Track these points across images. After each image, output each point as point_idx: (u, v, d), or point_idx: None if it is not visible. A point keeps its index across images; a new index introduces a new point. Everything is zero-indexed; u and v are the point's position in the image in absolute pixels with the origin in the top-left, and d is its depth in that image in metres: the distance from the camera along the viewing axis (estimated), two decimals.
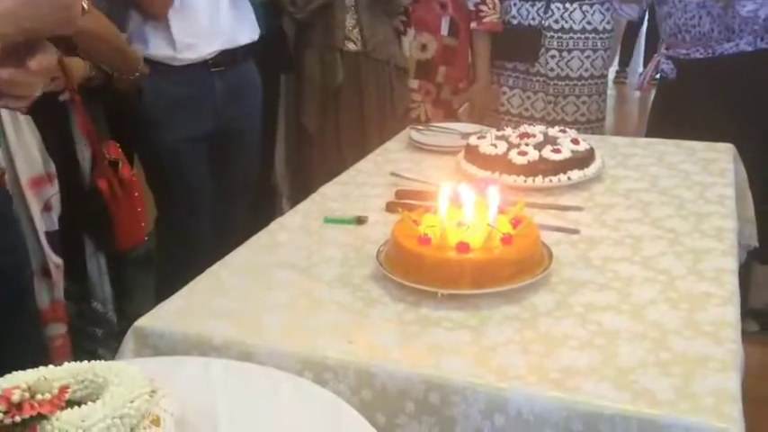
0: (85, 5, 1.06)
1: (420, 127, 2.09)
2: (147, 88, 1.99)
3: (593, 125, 2.86)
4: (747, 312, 2.70)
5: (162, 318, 1.18)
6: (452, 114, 2.79)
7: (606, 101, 2.95)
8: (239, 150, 2.24)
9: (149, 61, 2.00)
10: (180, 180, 2.12)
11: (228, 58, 2.11)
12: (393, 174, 1.75)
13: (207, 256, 1.43)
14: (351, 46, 2.49)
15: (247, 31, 2.16)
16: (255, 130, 2.29)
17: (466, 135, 1.97)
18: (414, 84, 2.73)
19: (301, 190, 2.62)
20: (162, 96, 2.04)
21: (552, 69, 2.78)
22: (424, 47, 2.71)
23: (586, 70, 2.79)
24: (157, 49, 2.03)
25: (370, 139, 2.42)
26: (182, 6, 2.01)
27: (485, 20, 2.73)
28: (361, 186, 1.74)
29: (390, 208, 1.57)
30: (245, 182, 2.32)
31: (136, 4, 1.99)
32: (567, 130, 1.83)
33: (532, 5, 2.75)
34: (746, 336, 2.69)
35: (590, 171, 1.69)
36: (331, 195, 1.69)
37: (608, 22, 2.76)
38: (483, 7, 2.71)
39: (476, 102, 2.82)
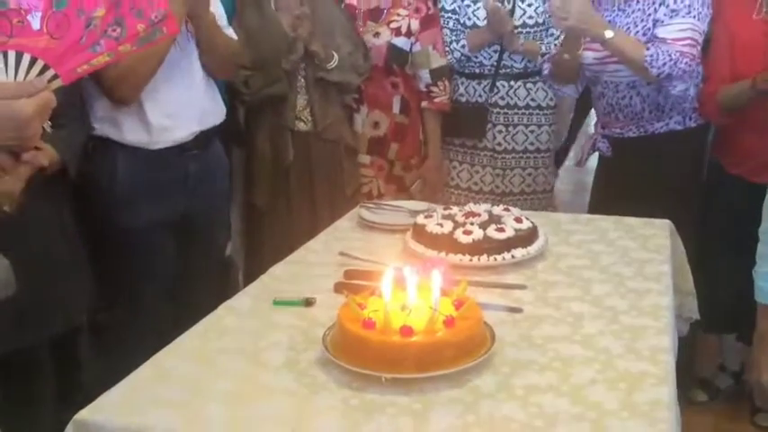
0: (47, 128, 1.09)
1: (370, 205, 2.13)
2: (120, 171, 2.00)
3: (539, 196, 2.95)
4: (695, 382, 2.76)
5: (103, 409, 1.17)
6: (404, 189, 2.85)
7: (553, 173, 3.05)
8: (207, 229, 2.25)
9: (122, 145, 2.00)
10: (147, 261, 2.11)
11: (202, 140, 2.14)
12: (342, 253, 1.78)
13: (165, 335, 1.43)
14: (301, 126, 2.55)
15: (218, 112, 2.20)
16: (223, 209, 2.32)
17: (414, 213, 2.02)
18: (366, 159, 2.79)
19: (254, 264, 2.65)
20: (135, 180, 2.03)
21: (499, 144, 2.88)
22: (376, 124, 2.78)
23: (532, 144, 2.90)
24: (132, 133, 2.03)
25: (321, 216, 2.46)
26: (156, 88, 2.01)
27: (435, 100, 2.82)
28: (311, 266, 1.76)
29: (338, 289, 1.59)
30: (211, 260, 2.32)
31: (103, 88, 1.98)
32: (511, 208, 1.89)
33: (479, 83, 2.86)
34: (696, 406, 2.75)
35: (533, 249, 1.74)
36: (280, 276, 1.71)
37: (551, 99, 2.88)
38: (434, 89, 2.81)
39: (428, 178, 2.89)
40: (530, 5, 2.77)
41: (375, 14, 2.74)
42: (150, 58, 1.93)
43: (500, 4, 2.71)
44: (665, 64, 2.24)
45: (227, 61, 2.19)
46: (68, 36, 1.15)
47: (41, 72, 1.13)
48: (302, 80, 2.52)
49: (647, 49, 2.26)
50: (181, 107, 2.07)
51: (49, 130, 1.17)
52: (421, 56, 2.78)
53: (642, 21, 2.34)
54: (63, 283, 1.93)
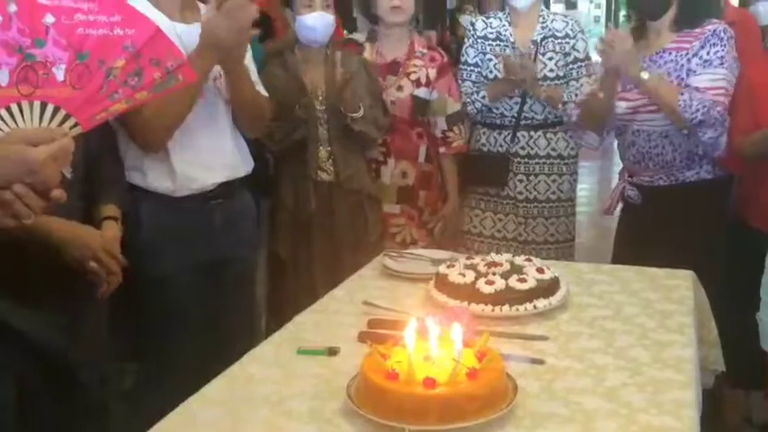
0: (67, 174, 1.16)
1: (393, 253, 2.16)
2: (144, 218, 2.04)
3: (562, 245, 2.96)
4: None
5: None
6: (432, 233, 2.90)
7: (575, 222, 3.06)
8: (234, 278, 2.26)
9: (147, 192, 2.05)
10: (174, 310, 2.13)
11: (227, 189, 2.17)
12: (365, 302, 1.80)
13: (191, 382, 1.46)
14: (324, 176, 2.60)
15: (245, 163, 2.23)
16: (249, 258, 2.34)
17: (436, 262, 2.04)
18: (396, 209, 2.84)
19: (277, 312, 2.67)
20: (160, 227, 2.07)
21: (521, 193, 2.91)
22: (404, 174, 2.84)
23: (553, 193, 2.92)
24: (157, 180, 2.06)
25: (343, 265, 2.48)
26: (183, 137, 2.05)
27: (453, 145, 2.88)
28: (335, 315, 1.78)
29: (362, 338, 1.61)
30: (236, 309, 2.35)
31: (133, 135, 2.03)
32: (533, 258, 1.91)
33: (499, 133, 2.90)
34: None
35: (555, 300, 1.75)
36: (304, 324, 1.73)
37: (572, 149, 2.92)
38: (450, 134, 2.87)
39: (448, 221, 2.93)
40: (550, 59, 2.82)
41: (393, 68, 2.82)
42: (177, 105, 1.96)
43: (513, 55, 2.77)
44: (698, 110, 2.27)
45: (255, 116, 2.23)
46: (89, 86, 1.22)
47: (63, 120, 1.20)
48: (324, 132, 2.58)
49: (682, 93, 2.29)
50: (206, 157, 2.11)
51: (69, 176, 1.23)
52: (437, 103, 2.85)
53: (675, 71, 2.38)
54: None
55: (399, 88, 2.80)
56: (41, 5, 1.20)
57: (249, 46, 2.10)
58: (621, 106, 2.40)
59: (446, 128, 2.86)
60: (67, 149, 1.17)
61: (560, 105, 2.78)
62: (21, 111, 1.17)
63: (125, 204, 1.98)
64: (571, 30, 2.87)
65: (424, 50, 2.87)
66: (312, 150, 2.56)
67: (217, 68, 2.05)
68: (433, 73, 2.83)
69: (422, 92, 2.82)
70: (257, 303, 2.74)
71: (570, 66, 2.85)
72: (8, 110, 1.17)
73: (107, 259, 1.79)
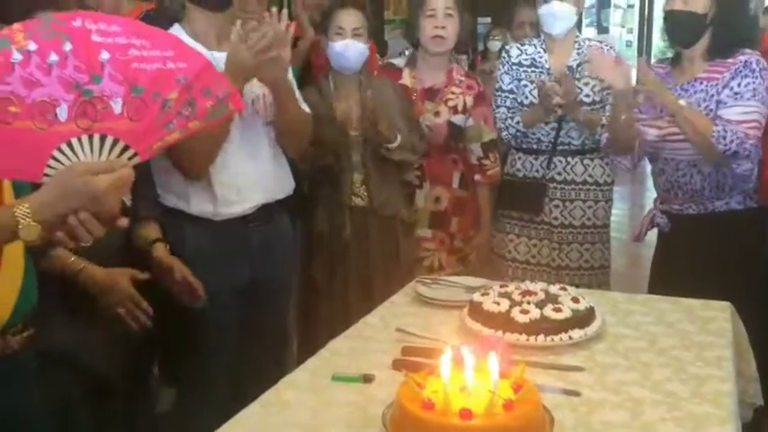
0: (127, 202, 1.21)
1: (427, 280, 2.16)
2: (187, 241, 2.09)
3: (596, 272, 2.94)
4: None
5: None
6: (465, 260, 2.91)
7: (610, 249, 3.03)
8: (270, 300, 2.29)
9: (191, 217, 2.10)
10: (211, 331, 2.16)
11: (266, 212, 2.20)
12: (399, 329, 1.80)
13: (224, 406, 1.47)
14: (358, 201, 2.62)
15: (285, 185, 2.27)
16: (287, 280, 2.37)
17: (470, 289, 2.04)
18: (427, 233, 2.85)
19: (308, 335, 2.70)
20: (201, 250, 2.10)
21: (556, 218, 2.89)
22: (437, 199, 2.86)
23: (589, 219, 2.90)
24: (200, 206, 2.12)
25: (376, 290, 2.51)
26: (223, 164, 2.10)
27: (489, 173, 2.89)
28: (369, 341, 1.79)
29: (396, 366, 1.61)
30: (274, 331, 2.37)
31: (177, 165, 2.09)
32: (568, 287, 1.90)
33: (535, 159, 2.90)
34: None
35: (591, 330, 1.74)
36: (339, 351, 1.74)
37: (608, 175, 2.91)
38: (486, 161, 2.89)
39: (480, 249, 2.94)
40: (586, 84, 2.82)
41: (430, 94, 2.85)
42: (215, 130, 2.00)
43: (549, 81, 2.78)
44: (732, 141, 2.25)
45: (299, 134, 2.26)
46: (146, 118, 1.27)
47: (122, 151, 1.25)
48: (358, 157, 2.61)
49: (716, 125, 2.28)
50: (246, 181, 2.15)
51: (128, 203, 1.28)
52: (473, 130, 2.87)
53: (705, 101, 2.36)
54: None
55: (437, 114, 2.83)
56: (96, 43, 1.24)
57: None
58: (651, 133, 2.39)
59: (482, 155, 2.88)
60: (127, 179, 1.23)
61: (599, 129, 2.78)
62: (81, 144, 1.23)
63: (162, 222, 2.06)
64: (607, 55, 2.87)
65: (462, 78, 2.90)
66: (345, 176, 2.59)
67: (256, 91, 2.10)
68: (470, 101, 2.86)
69: (458, 119, 2.84)
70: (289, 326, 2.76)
71: (606, 91, 2.84)
72: (69, 144, 1.22)
73: (131, 307, 1.88)
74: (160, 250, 1.99)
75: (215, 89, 1.32)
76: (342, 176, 2.59)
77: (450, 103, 2.84)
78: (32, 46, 1.21)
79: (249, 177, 2.16)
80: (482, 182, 2.91)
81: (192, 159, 2.04)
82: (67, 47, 1.22)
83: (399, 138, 2.59)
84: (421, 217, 2.84)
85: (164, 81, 1.27)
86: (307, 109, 2.30)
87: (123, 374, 1.99)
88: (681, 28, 2.41)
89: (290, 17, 4.63)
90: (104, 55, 1.24)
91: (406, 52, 3.00)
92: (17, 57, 1.20)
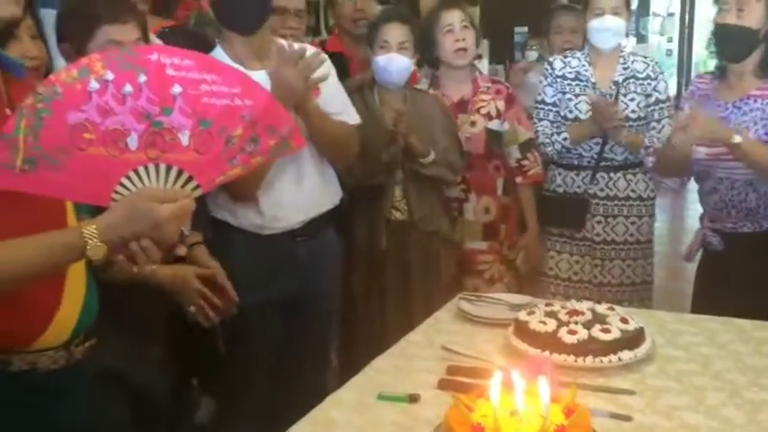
0: (186, 231, 1.25)
1: (470, 297, 2.14)
2: (234, 253, 2.10)
3: (639, 288, 2.90)
4: None
5: None
6: (514, 267, 2.89)
7: (653, 264, 2.98)
8: (315, 314, 2.30)
9: (238, 230, 2.12)
10: (254, 341, 2.18)
11: (313, 226, 2.22)
12: (444, 348, 1.79)
13: (264, 417, 1.47)
14: (398, 215, 2.61)
15: (331, 197, 2.28)
16: (331, 294, 2.37)
17: (514, 307, 2.02)
18: (483, 246, 2.84)
19: (347, 347, 2.70)
20: (247, 262, 2.12)
21: (598, 234, 2.86)
22: (486, 209, 2.85)
23: (632, 235, 2.87)
24: (246, 220, 2.14)
25: (416, 306, 2.50)
26: (269, 183, 2.12)
27: (529, 173, 2.87)
28: (413, 359, 1.77)
29: (442, 386, 1.60)
30: (316, 345, 2.37)
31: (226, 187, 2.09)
32: (616, 307, 1.86)
33: (577, 174, 2.87)
34: None
35: (640, 352, 1.70)
36: (383, 369, 1.73)
37: (651, 190, 2.87)
38: (525, 162, 2.86)
39: (529, 249, 2.91)
40: (632, 100, 2.79)
41: (462, 107, 2.84)
42: (266, 164, 2.02)
43: (605, 98, 2.75)
44: None
45: (340, 148, 2.26)
46: (211, 152, 1.32)
47: (186, 182, 1.30)
48: (399, 171, 2.60)
49: None
50: (291, 198, 2.17)
51: (187, 233, 1.31)
52: (509, 133, 2.85)
53: (762, 119, 2.29)
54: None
55: (473, 124, 2.81)
56: (170, 76, 1.29)
57: (334, 75, 2.18)
58: (701, 152, 2.33)
59: (520, 156, 2.85)
60: (188, 209, 1.29)
61: (642, 150, 2.73)
62: (147, 173, 1.28)
63: (205, 230, 2.07)
64: (652, 71, 2.84)
65: (489, 84, 2.89)
66: (387, 190, 2.59)
67: None
68: (501, 104, 2.84)
69: (494, 124, 2.83)
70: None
71: (652, 107, 2.81)
72: (136, 172, 1.27)
73: (202, 304, 1.91)
74: (202, 253, 1.99)
75: (279, 127, 1.36)
76: (383, 190, 2.58)
77: (483, 111, 2.82)
78: (110, 75, 1.26)
79: (295, 195, 2.17)
80: (524, 183, 2.88)
81: (241, 185, 2.03)
82: (142, 78, 1.27)
83: (433, 153, 2.57)
84: (473, 229, 2.82)
85: (230, 117, 1.31)
86: (354, 119, 2.29)
87: (167, 387, 2.00)
88: (733, 42, 2.34)
89: (327, 30, 4.66)
90: (176, 89, 1.28)
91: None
92: (94, 85, 1.25)
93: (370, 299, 2.62)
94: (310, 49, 2.09)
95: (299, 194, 2.18)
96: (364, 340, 2.56)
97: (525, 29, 5.94)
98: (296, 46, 2.04)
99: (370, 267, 2.61)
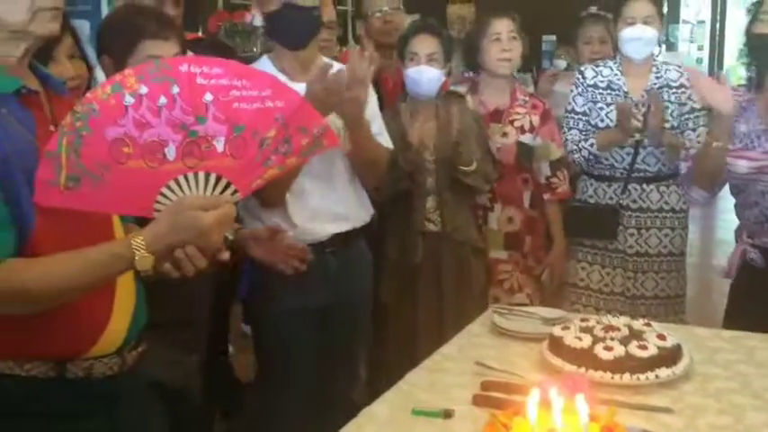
0: (230, 236, 1.26)
1: (503, 310, 2.13)
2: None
3: (672, 301, 2.87)
4: None
5: None
6: (538, 281, 2.87)
7: (685, 277, 2.94)
8: (347, 325, 2.30)
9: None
10: (283, 350, 2.19)
11: (343, 238, 2.22)
12: (478, 363, 1.77)
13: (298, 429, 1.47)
14: (431, 227, 2.61)
15: (362, 213, 2.28)
16: (365, 306, 2.37)
17: (547, 321, 2.01)
18: (503, 255, 2.83)
19: (376, 356, 2.71)
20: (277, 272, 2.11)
21: (631, 246, 2.83)
22: (510, 220, 2.83)
23: (665, 247, 2.83)
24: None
25: (448, 317, 2.49)
26: (300, 192, 2.13)
27: (558, 190, 2.86)
28: (447, 374, 1.76)
29: (477, 401, 1.59)
30: (350, 357, 2.37)
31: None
32: (653, 323, 1.84)
33: (609, 185, 2.84)
34: None
35: (678, 369, 1.68)
36: (417, 383, 1.72)
37: (684, 203, 2.83)
38: (554, 179, 2.85)
39: (554, 267, 2.89)
40: (665, 109, 2.76)
41: (496, 116, 2.83)
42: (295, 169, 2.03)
43: (630, 103, 2.72)
44: None
45: (373, 168, 2.27)
46: (246, 156, 1.33)
47: (225, 188, 1.31)
48: (432, 182, 2.60)
49: None
50: (322, 210, 2.17)
51: (230, 237, 1.33)
52: (542, 149, 2.84)
53: None
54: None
55: (504, 135, 2.81)
56: (201, 85, 1.30)
57: (374, 98, 2.19)
58: (743, 166, 2.29)
59: (550, 173, 2.84)
60: (231, 215, 1.31)
61: (682, 152, 2.70)
62: (187, 181, 1.30)
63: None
64: (686, 80, 2.80)
65: (526, 98, 2.88)
66: (419, 201, 2.58)
67: (336, 123, 2.11)
68: (536, 119, 2.83)
69: (527, 138, 2.82)
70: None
71: (686, 116, 2.78)
72: (176, 181, 1.29)
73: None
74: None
75: (310, 126, 1.36)
76: (415, 202, 2.58)
77: (517, 124, 2.82)
78: (144, 89, 1.28)
79: (326, 207, 2.17)
80: (551, 200, 2.87)
81: (270, 190, 2.05)
82: (175, 90, 1.28)
83: (475, 163, 2.58)
84: (495, 239, 2.81)
85: (262, 120, 1.32)
86: (388, 143, 2.30)
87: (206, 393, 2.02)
88: None
89: (355, 40, 4.67)
90: (208, 96, 1.29)
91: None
92: (129, 100, 1.27)
93: (402, 310, 2.61)
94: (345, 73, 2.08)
95: (331, 208, 2.18)
96: (395, 352, 2.56)
97: (553, 37, 5.92)
98: (335, 68, 2.03)
99: (401, 278, 2.61)
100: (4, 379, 1.27)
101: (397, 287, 2.61)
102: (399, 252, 2.60)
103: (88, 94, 1.32)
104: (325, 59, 2.20)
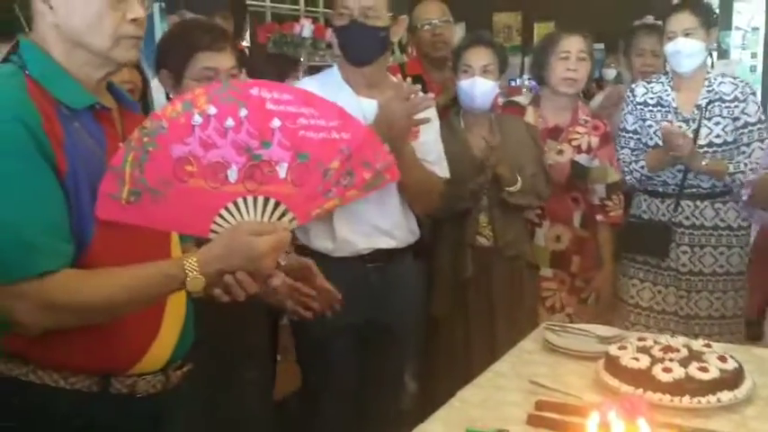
0: (282, 262, 1.26)
1: (555, 327, 2.09)
2: None
3: (729, 322, 2.79)
4: None
5: None
6: (584, 302, 2.82)
7: (745, 297, 2.86)
8: (390, 344, 2.28)
9: (308, 249, 2.12)
10: (326, 367, 2.18)
11: (386, 254, 2.19)
12: (532, 381, 1.74)
13: None
14: (482, 241, 2.58)
15: (407, 234, 2.24)
16: (408, 325, 2.34)
17: (602, 339, 1.97)
18: (548, 272, 2.78)
19: (426, 369, 2.69)
20: None
21: (684, 264, 2.76)
22: (558, 238, 2.79)
23: (721, 266, 2.76)
24: (318, 240, 2.14)
25: (499, 332, 2.46)
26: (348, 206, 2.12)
27: (611, 214, 2.81)
28: (500, 392, 1.74)
29: (532, 421, 1.56)
30: (394, 376, 2.35)
31: None
32: (712, 344, 1.79)
33: (662, 202, 2.79)
34: None
35: (740, 392, 1.63)
36: (470, 401, 1.69)
37: (743, 220, 2.75)
38: (609, 202, 2.80)
39: (601, 291, 2.84)
40: (717, 124, 2.69)
41: (554, 133, 2.79)
42: None
43: (676, 126, 2.67)
44: None
45: (422, 196, 2.24)
46: (308, 184, 1.33)
47: (282, 214, 1.31)
48: (485, 198, 2.57)
49: None
50: (368, 224, 2.15)
51: (283, 263, 1.32)
52: (599, 171, 2.79)
53: None
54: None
55: (559, 152, 2.76)
56: (269, 110, 1.31)
57: (436, 124, 2.18)
58: None
59: (605, 196, 2.79)
60: (285, 242, 1.30)
61: (726, 177, 2.64)
62: (246, 205, 1.30)
63: None
64: (741, 92, 2.73)
65: (588, 118, 2.83)
66: (473, 217, 2.56)
67: None
68: (595, 141, 2.79)
69: (582, 158, 2.78)
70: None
71: (740, 131, 2.70)
72: (235, 204, 1.29)
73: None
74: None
75: (374, 161, 1.36)
76: (468, 216, 2.56)
77: (575, 143, 2.78)
78: (212, 110, 1.29)
79: (372, 222, 2.15)
80: (604, 222, 2.82)
81: None
82: (243, 113, 1.29)
83: (520, 182, 2.54)
84: (541, 256, 2.77)
85: (327, 150, 1.33)
86: (444, 172, 2.28)
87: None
88: None
89: (401, 50, 4.68)
90: (276, 122, 1.30)
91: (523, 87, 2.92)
92: (197, 120, 1.28)
93: (454, 325, 2.59)
94: (421, 93, 2.08)
95: (377, 224, 2.16)
96: (447, 367, 2.54)
97: (602, 46, 5.84)
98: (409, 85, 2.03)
99: (452, 293, 2.59)
100: (48, 391, 1.27)
101: (449, 301, 2.59)
102: (450, 266, 2.57)
103: (158, 111, 1.33)
104: (397, 79, 2.22)
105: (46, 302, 1.20)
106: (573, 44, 2.73)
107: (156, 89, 2.22)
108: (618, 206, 2.81)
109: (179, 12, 2.35)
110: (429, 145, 2.20)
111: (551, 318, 2.68)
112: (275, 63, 3.14)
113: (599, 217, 2.81)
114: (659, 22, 2.95)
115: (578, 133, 2.78)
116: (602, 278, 2.83)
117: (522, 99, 2.92)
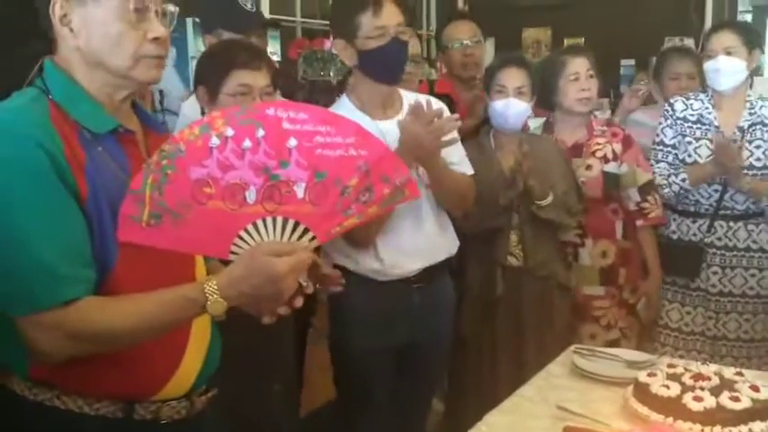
0: (303, 283, 1.25)
1: (584, 351, 2.08)
2: (351, 298, 2.05)
3: (758, 345, 2.75)
4: None
5: None
6: (634, 313, 2.79)
7: None
8: (427, 363, 2.28)
9: (356, 275, 2.11)
10: (363, 386, 2.19)
11: (429, 273, 2.19)
12: (560, 407, 1.73)
13: None
14: (513, 261, 2.57)
15: (448, 246, 2.26)
16: (443, 344, 2.34)
17: (631, 364, 1.95)
18: (600, 291, 2.74)
19: (454, 388, 2.69)
20: (364, 307, 2.13)
21: (714, 285, 2.74)
22: (604, 254, 2.75)
23: (751, 288, 2.73)
24: (364, 265, 2.14)
25: (528, 354, 2.44)
26: (390, 227, 2.11)
27: (650, 215, 2.76)
28: (527, 417, 1.72)
29: None
30: (425, 396, 2.35)
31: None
32: (745, 372, 1.77)
33: (693, 222, 2.76)
34: None
35: None
36: (497, 426, 1.68)
37: None
38: (645, 204, 2.75)
39: (651, 295, 2.80)
40: (758, 147, 2.67)
41: (576, 151, 2.76)
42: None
43: (729, 140, 2.64)
44: None
45: (458, 199, 2.25)
46: (326, 203, 1.31)
47: (302, 234, 1.30)
48: (515, 216, 2.55)
49: None
50: (409, 244, 2.15)
51: (305, 284, 1.32)
52: (627, 175, 2.76)
53: None
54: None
55: (588, 167, 2.73)
56: (286, 130, 1.30)
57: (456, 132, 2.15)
58: None
59: (640, 199, 2.75)
60: (306, 262, 1.29)
61: (764, 199, 2.61)
62: (265, 226, 1.28)
63: None
64: None
65: (604, 128, 2.81)
66: (504, 235, 2.54)
67: None
68: (618, 147, 2.75)
69: (611, 167, 2.74)
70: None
71: None
72: (254, 225, 1.28)
73: None
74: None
75: (393, 176, 1.35)
76: (499, 235, 2.54)
77: (599, 154, 2.74)
78: (230, 131, 1.28)
79: (413, 241, 2.15)
80: (645, 225, 2.77)
81: (361, 231, 2.02)
82: (260, 133, 1.29)
83: (551, 196, 2.52)
84: (589, 275, 2.73)
85: (345, 167, 1.32)
86: (470, 170, 2.28)
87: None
88: None
89: (429, 63, 4.69)
90: (292, 142, 1.29)
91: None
92: (215, 141, 1.28)
93: (482, 345, 2.58)
94: (446, 112, 2.07)
95: (418, 241, 2.16)
96: (474, 387, 2.53)
97: (632, 61, 5.80)
98: (434, 105, 2.02)
99: (481, 312, 2.57)
100: (73, 417, 1.27)
101: (477, 320, 2.57)
102: (480, 284, 2.56)
103: (176, 134, 1.33)
104: (405, 93, 2.19)
105: (69, 332, 1.19)
106: (580, 65, 2.72)
107: (190, 105, 2.24)
108: (656, 206, 2.75)
109: (216, 32, 2.37)
110: (451, 149, 2.18)
111: (608, 336, 2.67)
112: (311, 92, 3.20)
113: (639, 222, 2.76)
114: (688, 44, 2.94)
115: (599, 144, 2.75)
116: (650, 282, 2.79)
117: (532, 125, 2.89)
